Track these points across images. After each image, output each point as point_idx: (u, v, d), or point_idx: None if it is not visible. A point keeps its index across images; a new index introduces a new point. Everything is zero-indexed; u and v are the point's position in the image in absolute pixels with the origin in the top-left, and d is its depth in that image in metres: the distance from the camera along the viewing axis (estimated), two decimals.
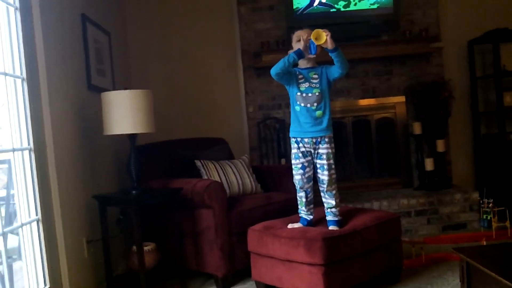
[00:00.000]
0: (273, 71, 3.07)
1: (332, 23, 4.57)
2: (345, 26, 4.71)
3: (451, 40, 5.19)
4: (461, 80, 5.24)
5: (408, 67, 5.06)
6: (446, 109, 4.91)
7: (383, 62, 5.05)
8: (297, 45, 3.08)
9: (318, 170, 3.15)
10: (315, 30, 2.95)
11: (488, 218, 4.30)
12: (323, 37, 2.92)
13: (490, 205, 4.27)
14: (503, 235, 4.08)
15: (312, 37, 2.94)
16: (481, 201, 4.44)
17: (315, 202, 3.26)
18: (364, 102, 5.11)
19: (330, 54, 3.00)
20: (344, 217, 3.21)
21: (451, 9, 5.23)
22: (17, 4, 2.69)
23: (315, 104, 3.09)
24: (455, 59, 5.27)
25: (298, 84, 3.13)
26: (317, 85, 3.11)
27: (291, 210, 3.50)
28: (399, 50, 4.93)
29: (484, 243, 3.74)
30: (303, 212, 3.24)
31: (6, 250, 2.50)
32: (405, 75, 5.07)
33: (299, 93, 3.12)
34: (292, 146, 3.20)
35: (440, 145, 4.89)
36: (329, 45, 2.94)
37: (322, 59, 3.15)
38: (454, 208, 4.61)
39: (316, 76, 3.14)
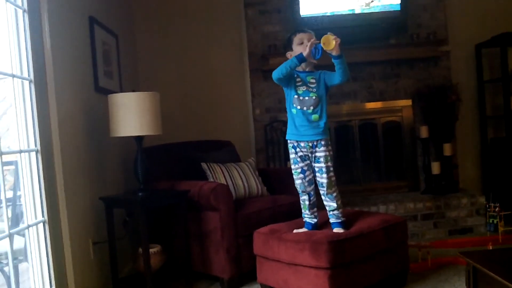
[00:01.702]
0: (275, 75, 3.04)
1: (339, 26, 4.58)
2: (352, 29, 4.70)
3: (459, 43, 5.18)
4: (468, 83, 5.22)
5: (416, 70, 5.05)
6: (454, 113, 4.89)
7: (391, 65, 5.04)
8: (299, 48, 3.06)
9: (317, 174, 3.14)
10: (325, 36, 2.91)
11: (495, 222, 4.26)
12: (332, 43, 2.89)
13: (497, 209, 4.24)
14: (509, 239, 4.05)
15: (321, 42, 2.93)
16: (487, 205, 4.42)
17: (319, 205, 3.25)
18: (371, 105, 5.10)
19: (333, 60, 2.97)
20: (350, 220, 3.21)
21: (459, 13, 5.21)
22: (26, 6, 2.71)
23: (312, 108, 3.08)
24: (462, 63, 5.26)
25: (296, 87, 3.11)
26: (314, 90, 3.10)
27: (297, 213, 3.49)
28: (406, 54, 4.92)
29: (491, 247, 3.72)
30: (307, 216, 3.23)
31: (13, 251, 2.51)
32: (413, 78, 5.06)
33: (296, 96, 3.10)
34: (290, 151, 3.19)
35: (447, 149, 4.87)
36: (335, 51, 2.92)
37: (321, 63, 3.12)
38: (461, 212, 4.59)
39: (313, 80, 3.12)
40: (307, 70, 3.15)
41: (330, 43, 2.90)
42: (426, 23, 5.04)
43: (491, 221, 4.33)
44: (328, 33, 2.94)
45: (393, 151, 5.20)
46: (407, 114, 5.11)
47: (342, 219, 3.14)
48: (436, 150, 4.99)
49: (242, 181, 3.91)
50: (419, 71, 5.05)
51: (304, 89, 3.10)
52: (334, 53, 2.93)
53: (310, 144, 3.10)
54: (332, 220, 3.14)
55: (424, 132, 4.87)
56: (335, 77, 3.06)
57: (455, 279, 3.37)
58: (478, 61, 5.24)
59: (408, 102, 5.09)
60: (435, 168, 4.83)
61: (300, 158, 3.15)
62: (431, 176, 4.89)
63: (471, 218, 4.60)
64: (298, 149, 3.14)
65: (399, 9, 4.78)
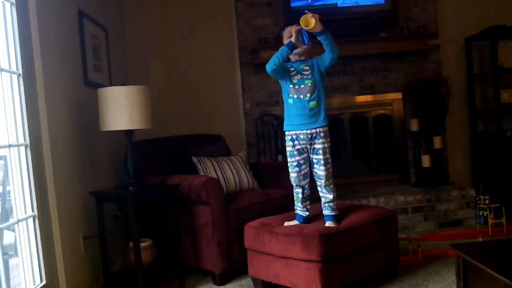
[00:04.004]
0: (269, 67, 3.05)
1: (330, 20, 4.57)
2: (343, 23, 4.70)
3: (449, 37, 5.19)
4: (458, 77, 5.24)
5: (406, 64, 5.06)
6: (444, 106, 4.90)
7: (381, 58, 5.05)
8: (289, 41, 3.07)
9: (315, 165, 3.14)
10: (302, 17, 2.92)
11: (485, 214, 4.30)
12: (312, 21, 2.90)
13: (487, 201, 4.27)
14: (499, 231, 4.09)
15: (301, 25, 2.93)
16: (477, 198, 4.45)
17: (312, 198, 3.26)
18: (362, 98, 5.11)
19: (318, 38, 2.98)
20: (341, 213, 3.21)
21: (449, 6, 5.23)
22: None
23: (308, 95, 3.07)
24: (452, 56, 5.28)
25: (290, 78, 3.11)
26: (309, 76, 3.10)
27: (288, 207, 3.50)
28: (397, 47, 4.93)
29: (481, 239, 3.75)
30: (299, 208, 3.23)
31: (2, 247, 2.50)
32: (403, 71, 5.07)
33: (291, 86, 3.10)
34: (287, 143, 3.18)
35: (437, 142, 4.89)
36: (318, 27, 2.92)
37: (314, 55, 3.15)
38: (451, 205, 4.62)
39: (307, 68, 3.12)
40: (300, 59, 3.15)
41: (310, 21, 2.91)
42: (416, 16, 5.05)
43: (481, 213, 4.37)
44: (305, 11, 2.95)
45: (383, 144, 5.22)
46: (397, 107, 5.13)
47: (336, 212, 3.14)
48: (427, 143, 5.01)
49: (233, 175, 3.90)
50: (410, 65, 5.06)
51: (298, 78, 3.10)
52: (317, 30, 2.93)
53: (309, 136, 3.09)
54: (326, 212, 3.14)
55: (414, 125, 4.89)
56: (326, 57, 3.06)
57: (445, 271, 3.39)
58: (468, 54, 5.25)
59: (399, 95, 5.10)
60: (426, 161, 4.85)
61: (297, 151, 3.14)
62: (422, 169, 4.91)
63: (461, 211, 4.62)
64: (296, 142, 3.13)
65: (389, 2, 4.79)
